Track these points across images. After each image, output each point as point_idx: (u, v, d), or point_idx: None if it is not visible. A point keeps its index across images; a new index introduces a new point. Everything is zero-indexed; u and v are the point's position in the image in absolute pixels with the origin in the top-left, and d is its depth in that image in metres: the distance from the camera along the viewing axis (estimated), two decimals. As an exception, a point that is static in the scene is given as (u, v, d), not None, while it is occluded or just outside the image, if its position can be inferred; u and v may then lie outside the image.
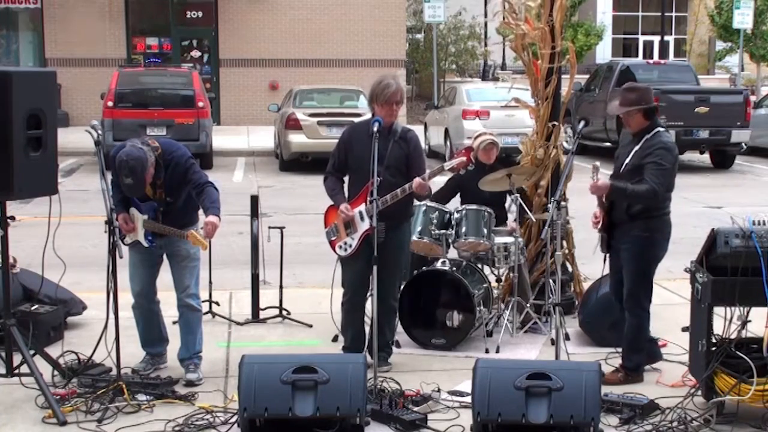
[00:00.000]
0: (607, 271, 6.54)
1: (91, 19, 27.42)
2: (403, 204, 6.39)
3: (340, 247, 6.54)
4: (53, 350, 6.39)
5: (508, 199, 7.64)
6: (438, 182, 7.60)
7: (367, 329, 6.63)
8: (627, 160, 6.22)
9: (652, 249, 6.19)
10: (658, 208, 6.16)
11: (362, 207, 6.42)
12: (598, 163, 6.22)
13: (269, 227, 8.04)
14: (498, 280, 7.88)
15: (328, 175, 6.63)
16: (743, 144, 19.89)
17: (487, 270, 7.66)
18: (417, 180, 6.26)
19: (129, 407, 5.67)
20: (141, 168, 5.84)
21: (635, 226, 6.17)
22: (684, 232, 11.28)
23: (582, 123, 6.83)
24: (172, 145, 6.24)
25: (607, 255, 6.43)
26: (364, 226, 6.41)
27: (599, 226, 6.39)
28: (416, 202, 7.31)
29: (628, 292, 6.27)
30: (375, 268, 6.06)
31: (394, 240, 6.41)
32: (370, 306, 6.33)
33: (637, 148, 6.18)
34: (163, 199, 6.18)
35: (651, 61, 27.28)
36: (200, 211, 6.27)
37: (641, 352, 6.35)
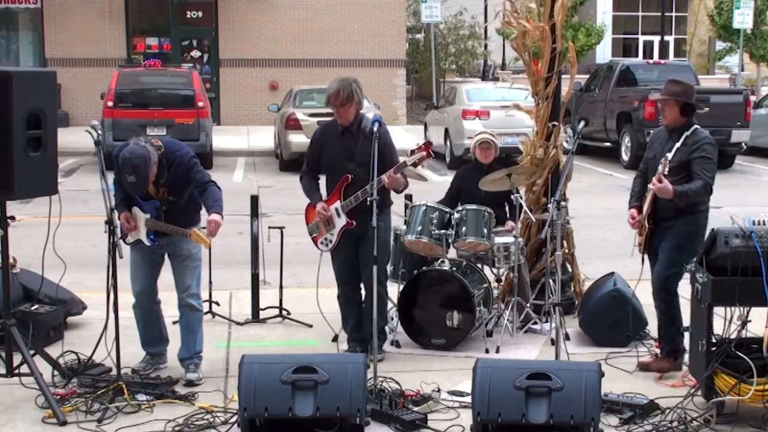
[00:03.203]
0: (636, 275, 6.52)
1: (91, 19, 27.42)
2: (378, 195, 6.39)
3: (322, 242, 6.78)
4: (53, 350, 6.39)
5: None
6: (442, 184, 7.62)
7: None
8: (670, 156, 6.16)
9: (695, 242, 6.19)
10: (703, 202, 6.23)
11: (338, 204, 6.62)
12: (669, 155, 6.11)
13: (269, 227, 8.04)
14: (498, 280, 7.88)
15: (303, 175, 6.86)
16: (743, 144, 19.89)
17: (487, 270, 7.66)
18: (385, 177, 6.32)
19: (129, 407, 5.66)
20: (144, 166, 5.86)
21: (680, 221, 6.20)
22: (684, 232, 11.30)
23: (582, 123, 6.83)
24: (175, 144, 6.26)
25: (645, 256, 6.40)
26: (341, 222, 6.63)
27: (640, 227, 6.34)
28: (416, 202, 7.34)
29: (662, 278, 6.30)
30: (375, 268, 6.11)
31: (372, 229, 6.41)
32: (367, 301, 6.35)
33: (678, 144, 6.18)
34: (165, 198, 6.19)
35: (651, 61, 27.26)
36: (202, 212, 6.27)
37: (681, 335, 6.41)
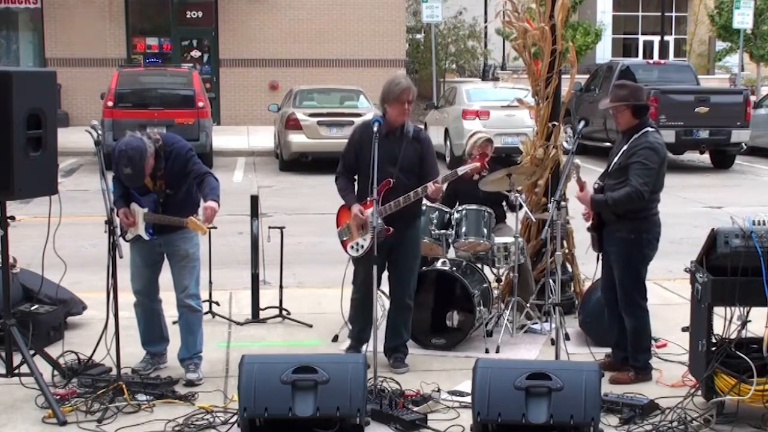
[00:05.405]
0: (599, 271, 6.53)
1: (91, 19, 27.42)
2: (414, 203, 6.41)
3: (352, 247, 6.55)
4: (53, 350, 6.39)
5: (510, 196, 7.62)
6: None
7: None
8: (615, 159, 6.22)
9: (639, 250, 6.18)
10: (644, 209, 6.14)
11: (374, 209, 6.44)
12: (578, 161, 6.19)
13: (269, 227, 8.03)
14: (498, 280, 7.88)
15: (339, 175, 6.63)
16: (743, 144, 19.90)
17: (487, 270, 7.65)
18: (432, 185, 6.27)
19: (129, 407, 5.67)
20: (139, 157, 5.88)
21: (621, 227, 6.17)
22: (684, 232, 11.30)
23: (582, 123, 6.82)
24: (172, 137, 6.32)
25: (600, 255, 6.42)
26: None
27: (588, 224, 6.38)
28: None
29: (623, 294, 6.27)
30: (375, 268, 6.09)
31: (406, 239, 6.43)
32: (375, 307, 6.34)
33: (625, 147, 6.18)
34: (163, 190, 6.21)
35: (651, 61, 27.29)
36: (199, 211, 6.28)
37: (648, 351, 6.37)
